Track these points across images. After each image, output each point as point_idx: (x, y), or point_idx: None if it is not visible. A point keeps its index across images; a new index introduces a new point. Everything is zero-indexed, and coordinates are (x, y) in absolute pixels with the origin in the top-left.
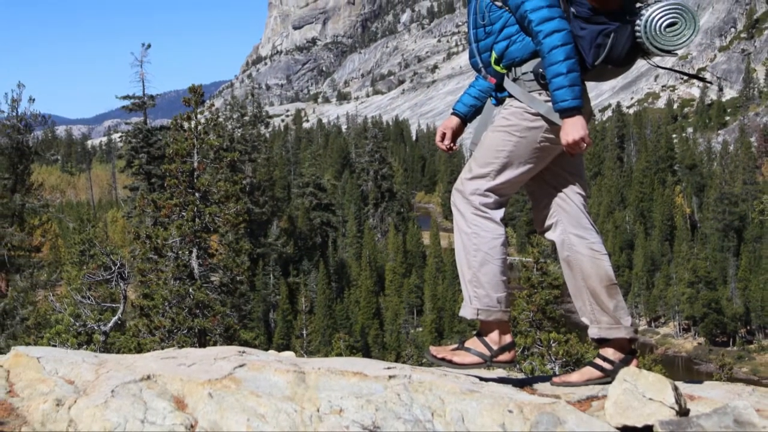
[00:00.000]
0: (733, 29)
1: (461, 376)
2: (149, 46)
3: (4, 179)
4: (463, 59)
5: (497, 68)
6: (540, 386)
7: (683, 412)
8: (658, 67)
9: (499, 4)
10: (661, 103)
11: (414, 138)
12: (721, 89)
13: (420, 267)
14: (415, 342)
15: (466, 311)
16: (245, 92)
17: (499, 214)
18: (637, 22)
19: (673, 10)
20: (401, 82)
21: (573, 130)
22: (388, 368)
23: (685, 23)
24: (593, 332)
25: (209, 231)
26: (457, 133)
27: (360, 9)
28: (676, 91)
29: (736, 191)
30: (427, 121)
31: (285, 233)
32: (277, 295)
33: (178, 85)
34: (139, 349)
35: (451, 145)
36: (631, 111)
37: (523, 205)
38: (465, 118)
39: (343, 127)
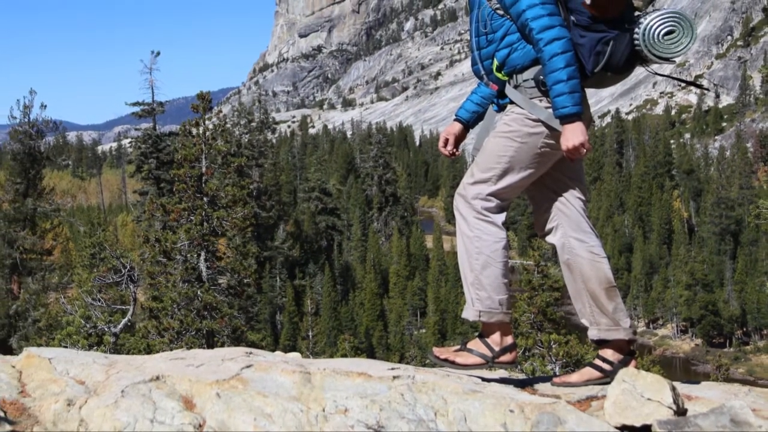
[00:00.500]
0: (729, 37)
1: (464, 377)
2: (158, 53)
3: (17, 184)
4: (466, 67)
5: (499, 75)
6: (541, 386)
7: (681, 411)
8: (657, 74)
9: (501, 12)
10: (659, 109)
11: (417, 144)
12: (718, 96)
13: (423, 270)
14: (419, 343)
15: (469, 313)
16: (252, 99)
17: (501, 218)
18: (636, 30)
19: (671, 19)
20: (405, 89)
21: (573, 135)
22: (392, 369)
23: (682, 31)
24: (593, 334)
25: (217, 234)
26: (459, 138)
27: (364, 17)
28: (674, 97)
29: (733, 196)
30: (430, 127)
31: (291, 237)
32: (284, 298)
33: (187, 92)
34: (149, 351)
35: (454, 150)
36: (629, 117)
37: (524, 209)
38: (467, 124)
39: (348, 133)
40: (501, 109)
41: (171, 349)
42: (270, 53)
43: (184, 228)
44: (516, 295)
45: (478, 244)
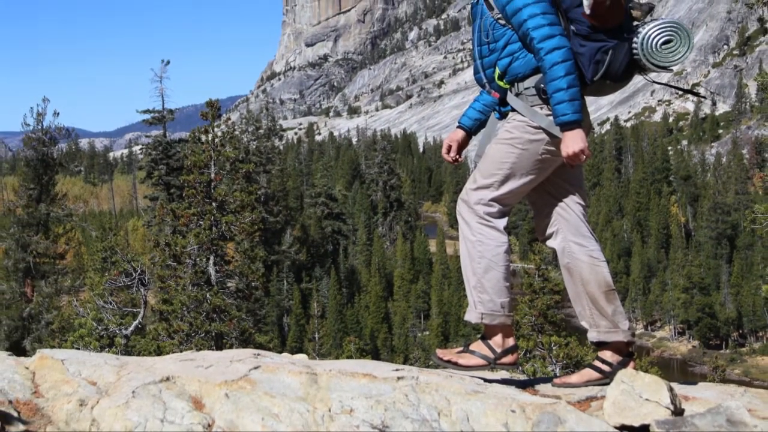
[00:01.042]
0: (726, 46)
1: (466, 378)
2: (168, 62)
3: (30, 189)
4: (468, 75)
5: (501, 83)
6: (541, 387)
7: (678, 412)
8: (655, 82)
9: (503, 22)
10: (657, 116)
11: (421, 150)
12: (714, 104)
13: (427, 273)
14: (422, 345)
15: (471, 316)
16: (260, 106)
17: (503, 222)
18: (635, 39)
19: (669, 28)
20: (409, 97)
21: (573, 142)
22: (397, 370)
23: (680, 41)
24: (592, 336)
25: (226, 239)
26: (462, 145)
27: (369, 27)
28: (671, 105)
29: (729, 201)
30: (434, 134)
31: (298, 241)
32: (291, 301)
33: (196, 99)
34: (159, 352)
35: (457, 157)
36: (628, 124)
37: (526, 214)
38: (470, 131)
39: (354, 140)
40: (503, 116)
41: (181, 351)
42: (277, 62)
43: (193, 232)
44: (517, 298)
45: (480, 248)
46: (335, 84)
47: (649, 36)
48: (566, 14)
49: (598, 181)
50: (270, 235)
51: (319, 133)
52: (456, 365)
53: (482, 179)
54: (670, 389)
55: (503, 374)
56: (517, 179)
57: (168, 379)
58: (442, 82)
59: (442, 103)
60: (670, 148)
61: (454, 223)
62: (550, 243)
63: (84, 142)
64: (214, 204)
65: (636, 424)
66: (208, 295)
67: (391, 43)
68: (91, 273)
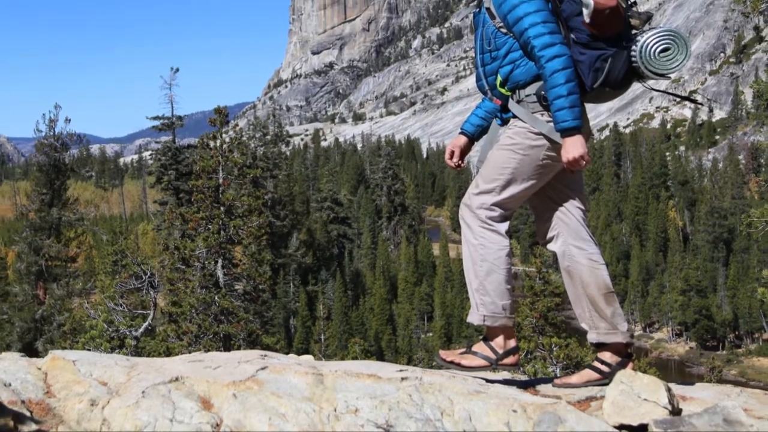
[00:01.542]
0: (722, 54)
1: (469, 378)
2: (177, 70)
3: (43, 194)
4: (471, 82)
5: (502, 91)
6: (542, 387)
7: (676, 411)
8: (653, 89)
9: (504, 31)
10: (655, 123)
11: (425, 156)
12: (711, 110)
13: (430, 276)
14: (426, 346)
15: (474, 317)
16: (267, 113)
17: (504, 226)
18: (633, 47)
19: (667, 37)
20: (413, 104)
21: (573, 148)
22: (401, 371)
23: (677, 49)
24: (592, 337)
25: (233, 243)
26: (464, 151)
27: (374, 35)
28: (669, 112)
29: (725, 205)
30: (437, 140)
31: (304, 245)
32: (297, 303)
33: (205, 106)
34: (168, 353)
35: (460, 162)
36: (627, 131)
37: (527, 218)
38: (472, 137)
39: (359, 146)
40: (504, 122)
41: (189, 352)
42: (284, 69)
43: (202, 236)
44: (519, 300)
45: (482, 252)
46: (341, 91)
47: (648, 44)
48: (566, 23)
49: (597, 185)
50: (277, 238)
51: (325, 139)
52: (459, 366)
53: (484, 184)
54: (668, 389)
55: (505, 375)
56: (518, 184)
57: (177, 379)
58: (445, 90)
59: (445, 109)
60: (668, 153)
61: (456, 227)
62: (550, 246)
63: (95, 148)
64: (222, 208)
65: (635, 423)
66: (216, 298)
67: (395, 51)
68: (102, 276)
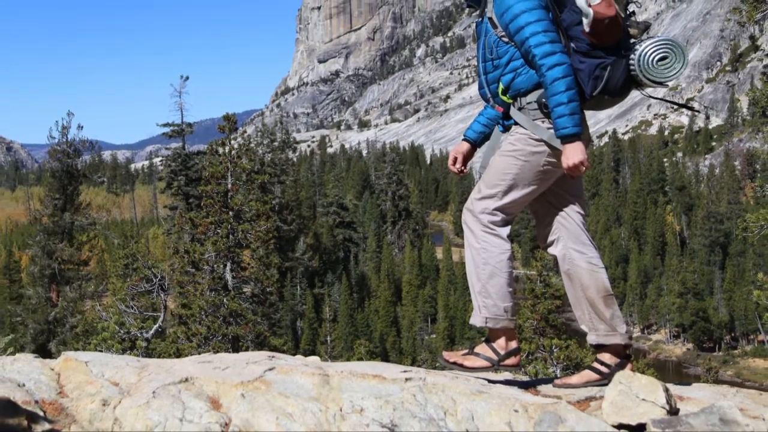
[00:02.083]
0: (719, 63)
1: (471, 379)
2: (187, 78)
3: (56, 199)
4: (473, 90)
5: (504, 98)
6: (543, 388)
7: (673, 411)
8: (651, 97)
9: (506, 39)
10: (653, 130)
11: (428, 162)
12: (708, 117)
13: (434, 279)
14: (429, 347)
15: (476, 319)
16: (275, 120)
17: (506, 231)
18: (632, 56)
19: (664, 46)
20: (416, 111)
21: (573, 154)
22: (405, 371)
23: (675, 57)
24: (591, 338)
25: (242, 246)
26: (467, 157)
27: (379, 44)
28: (667, 119)
29: (722, 210)
30: (440, 147)
31: (311, 248)
32: (304, 305)
33: (214, 113)
34: (178, 354)
35: (462, 168)
36: (625, 137)
37: (528, 222)
38: (475, 144)
39: (364, 152)
40: (506, 129)
41: (199, 353)
42: (291, 78)
43: (211, 240)
44: (520, 302)
45: (484, 255)
46: (346, 99)
47: (646, 53)
48: (566, 32)
49: (597, 191)
50: (284, 242)
51: (331, 146)
52: (461, 367)
53: (486, 189)
54: (666, 390)
55: (506, 375)
56: (519, 189)
57: (187, 380)
58: (448, 97)
59: (448, 116)
60: (665, 159)
61: (459, 232)
62: (551, 250)
63: (107, 154)
64: (230, 213)
65: (633, 423)
66: (225, 300)
67: (400, 60)
68: (113, 279)
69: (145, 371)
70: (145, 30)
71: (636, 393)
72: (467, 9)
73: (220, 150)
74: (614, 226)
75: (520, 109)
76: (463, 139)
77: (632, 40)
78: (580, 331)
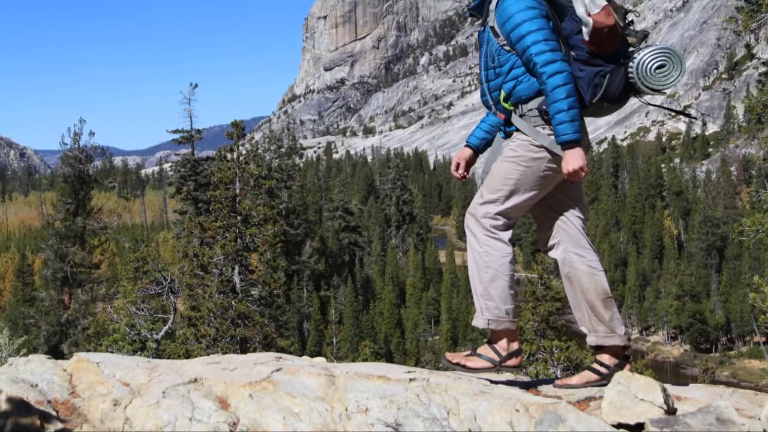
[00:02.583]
0: (715, 71)
1: (474, 379)
2: (196, 86)
3: (68, 204)
4: (476, 97)
5: (506, 105)
6: (544, 388)
7: (671, 411)
8: (649, 104)
9: (508, 48)
10: (651, 136)
11: (432, 167)
12: (704, 124)
13: (437, 282)
14: (433, 349)
15: (478, 321)
16: (282, 127)
17: (508, 235)
18: (630, 64)
19: (662, 54)
20: (420, 118)
21: (573, 160)
22: (409, 372)
23: (672, 65)
24: (591, 340)
25: (250, 250)
26: (470, 163)
27: (384, 53)
28: (664, 125)
29: (718, 215)
30: (444, 153)
31: (317, 252)
32: (310, 307)
33: (222, 120)
34: (187, 356)
35: (465, 173)
36: (624, 143)
37: (529, 227)
38: (477, 150)
39: (369, 158)
40: (508, 136)
41: (208, 354)
42: (298, 85)
43: (219, 244)
44: (521, 305)
45: (487, 259)
46: (352, 106)
47: (644, 61)
48: (567, 41)
49: (596, 196)
50: (291, 246)
51: (337, 152)
52: (464, 367)
53: (489, 194)
54: (664, 390)
55: (508, 376)
56: (521, 194)
57: (196, 380)
58: (451, 104)
59: (451, 123)
60: (663, 165)
61: (462, 235)
62: (551, 254)
63: (118, 160)
64: (238, 217)
65: (632, 422)
66: (233, 303)
67: (404, 68)
68: (124, 282)
69: (155, 372)
70: (156, 39)
71: (634, 393)
72: (470, 18)
73: (229, 156)
74: (613, 230)
75: (521, 116)
76: (466, 146)
77: (631, 49)
78: (580, 333)
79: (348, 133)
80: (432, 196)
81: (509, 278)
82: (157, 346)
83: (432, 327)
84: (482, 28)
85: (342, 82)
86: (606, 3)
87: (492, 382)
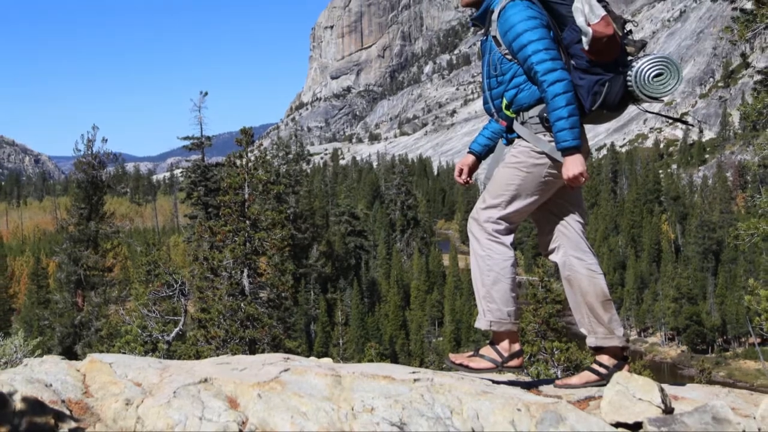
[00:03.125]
0: (711, 79)
1: (476, 379)
2: (206, 93)
3: (81, 209)
4: (478, 105)
5: (507, 113)
6: (544, 388)
7: (668, 410)
8: (647, 111)
9: (510, 57)
10: (649, 143)
11: (435, 173)
12: (701, 131)
13: (441, 285)
14: (437, 350)
15: (481, 323)
16: (289, 133)
17: (510, 239)
18: (629, 73)
19: (660, 63)
20: (424, 125)
21: (573, 166)
22: (413, 372)
23: (670, 74)
24: (590, 341)
25: (258, 254)
26: (472, 169)
27: (389, 62)
28: (662, 132)
29: (714, 219)
30: (447, 159)
31: (324, 256)
32: (317, 309)
33: (231, 127)
34: (198, 356)
35: (468, 179)
36: (623, 150)
37: (530, 231)
38: (479, 156)
39: (374, 164)
40: (509, 142)
41: (217, 355)
42: (305, 93)
43: (229, 248)
44: (522, 307)
45: (489, 262)
46: (357, 113)
47: (642, 69)
48: (567, 50)
49: (595, 201)
50: (298, 250)
51: (343, 158)
52: (467, 368)
53: (491, 199)
54: (661, 390)
55: (510, 376)
56: (522, 199)
57: (206, 380)
58: (454, 112)
59: (455, 130)
60: (661, 171)
61: (465, 239)
62: (552, 257)
63: (130, 166)
64: (247, 222)
65: (630, 421)
66: (242, 305)
67: (408, 76)
68: (136, 284)
69: (166, 372)
70: (167, 49)
71: (633, 393)
72: (473, 28)
73: (238, 162)
74: (612, 234)
75: (522, 123)
76: (469, 152)
77: (629, 58)
78: (580, 334)
79: (354, 140)
80: (436, 201)
81: (511, 281)
82: (168, 347)
83: (436, 328)
84: (485, 37)
85: (348, 90)
86: (605, 13)
87: (494, 382)
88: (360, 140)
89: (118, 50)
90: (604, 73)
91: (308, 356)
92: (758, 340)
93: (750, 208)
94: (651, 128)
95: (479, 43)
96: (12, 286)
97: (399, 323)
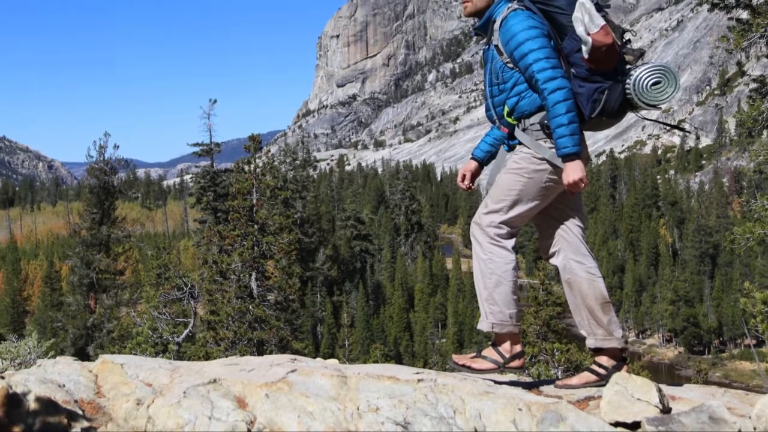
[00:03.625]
0: (708, 87)
1: (479, 380)
2: (215, 101)
3: (93, 214)
4: (481, 112)
5: (509, 120)
6: (545, 388)
7: (666, 410)
8: (645, 119)
9: (511, 65)
10: (647, 149)
11: (439, 179)
12: (698, 138)
13: (444, 288)
14: (440, 351)
15: (483, 325)
16: (296, 140)
17: (511, 243)
18: (627, 81)
19: (658, 71)
20: (428, 132)
21: (573, 172)
22: (417, 373)
23: (667, 82)
24: (590, 343)
25: (266, 257)
26: (475, 174)
27: (393, 70)
28: (660, 139)
29: (711, 224)
30: (450, 165)
31: (330, 259)
32: (324, 312)
33: (240, 134)
34: (207, 357)
35: (470, 184)
36: (622, 156)
37: (531, 235)
38: (482, 162)
39: (379, 170)
40: (511, 149)
41: (226, 356)
42: (312, 101)
43: (237, 252)
44: (524, 309)
45: (491, 266)
46: (363, 120)
47: (641, 78)
48: (567, 58)
49: (595, 206)
50: (305, 253)
51: (349, 164)
52: (470, 369)
53: (493, 204)
54: (659, 390)
55: (511, 377)
56: (523, 204)
57: (215, 381)
58: (457, 119)
59: (458, 137)
60: (658, 177)
61: (468, 243)
62: (552, 261)
63: (141, 172)
64: (255, 226)
65: (629, 420)
66: (250, 307)
67: (413, 84)
68: (147, 287)
69: (176, 373)
70: (177, 57)
71: (631, 393)
72: (475, 37)
73: (246, 168)
74: (611, 239)
75: (524, 130)
76: (471, 158)
77: (628, 66)
78: (580, 336)
79: (359, 146)
80: (439, 206)
81: (512, 284)
82: (178, 348)
83: (439, 330)
84: (487, 46)
85: (354, 97)
86: (604, 23)
87: (496, 382)
88: (365, 147)
89: (130, 59)
90: (603, 81)
91: (315, 357)
92: (754, 341)
93: (746, 212)
94: (649, 135)
95: (481, 52)
96: (26, 288)
97: (403, 325)
